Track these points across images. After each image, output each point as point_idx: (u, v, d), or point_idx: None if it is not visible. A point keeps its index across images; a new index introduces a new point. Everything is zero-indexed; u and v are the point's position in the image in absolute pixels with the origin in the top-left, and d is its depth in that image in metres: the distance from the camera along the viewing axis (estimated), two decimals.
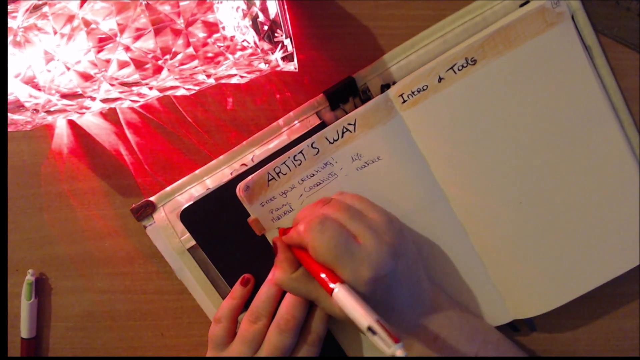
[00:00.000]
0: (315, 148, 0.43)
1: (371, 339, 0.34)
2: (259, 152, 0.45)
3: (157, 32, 0.35)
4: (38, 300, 0.49)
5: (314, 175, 0.43)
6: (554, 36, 0.41)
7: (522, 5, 0.42)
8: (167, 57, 0.36)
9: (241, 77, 0.39)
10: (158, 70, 0.37)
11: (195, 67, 0.37)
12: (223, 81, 0.40)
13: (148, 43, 0.35)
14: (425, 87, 0.42)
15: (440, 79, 0.42)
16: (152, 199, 0.46)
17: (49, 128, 0.46)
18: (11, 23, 0.36)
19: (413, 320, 0.41)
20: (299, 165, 0.43)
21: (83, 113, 0.40)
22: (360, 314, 0.34)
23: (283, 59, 0.37)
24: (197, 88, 0.40)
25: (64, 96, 0.38)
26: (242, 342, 0.43)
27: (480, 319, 0.45)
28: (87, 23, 0.35)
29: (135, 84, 0.38)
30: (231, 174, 0.45)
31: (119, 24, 0.35)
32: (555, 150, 0.43)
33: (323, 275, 0.38)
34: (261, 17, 0.35)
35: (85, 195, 0.47)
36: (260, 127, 0.45)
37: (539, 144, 0.43)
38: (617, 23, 0.42)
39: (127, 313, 0.49)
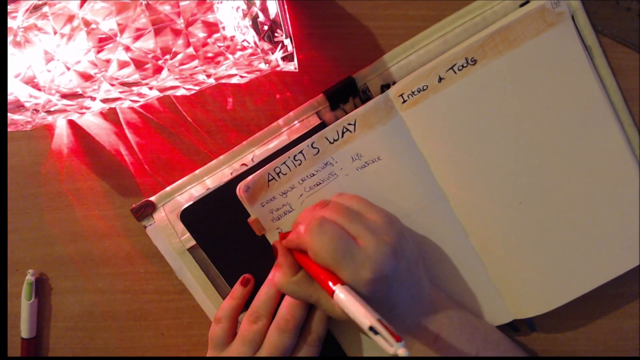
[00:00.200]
0: (315, 148, 0.43)
1: (373, 339, 0.34)
2: (259, 152, 0.45)
3: (157, 32, 0.35)
4: (38, 300, 0.49)
5: (314, 175, 0.43)
6: (554, 36, 0.41)
7: (522, 5, 0.42)
8: (167, 57, 0.36)
9: (241, 77, 0.39)
10: (158, 70, 0.37)
11: (195, 67, 0.37)
12: (223, 81, 0.40)
13: (148, 43, 0.35)
14: (425, 87, 0.42)
15: (440, 79, 0.42)
16: (152, 199, 0.46)
17: (49, 128, 0.46)
18: (11, 23, 0.36)
19: (413, 320, 0.41)
20: (299, 165, 0.43)
21: (83, 113, 0.40)
22: (361, 314, 0.34)
23: (283, 59, 0.37)
24: (197, 88, 0.40)
25: (64, 96, 0.38)
26: (242, 342, 0.43)
27: (480, 319, 0.45)
28: (87, 23, 0.35)
29: (135, 84, 0.38)
30: (231, 174, 0.45)
31: (119, 24, 0.35)
32: (555, 150, 0.43)
33: (324, 277, 0.38)
34: (261, 17, 0.35)
35: (85, 195, 0.47)
36: (260, 127, 0.45)
37: (538, 143, 0.43)
38: (617, 23, 0.42)
39: (127, 313, 0.49)
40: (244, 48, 0.36)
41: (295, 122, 0.45)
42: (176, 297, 0.49)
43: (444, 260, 0.45)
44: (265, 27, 0.35)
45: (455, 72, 0.42)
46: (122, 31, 0.35)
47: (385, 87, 0.44)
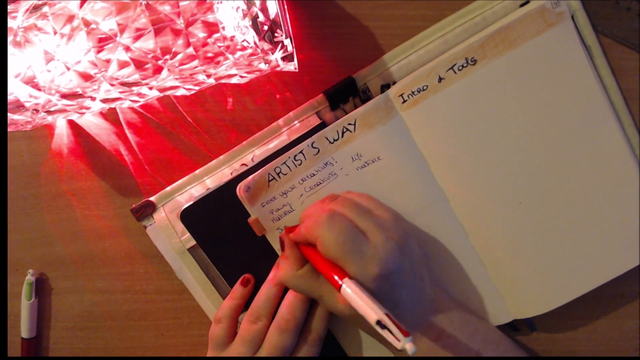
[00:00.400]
0: (316, 148, 0.43)
1: (381, 333, 0.34)
2: (259, 152, 0.45)
3: (157, 32, 0.35)
4: (38, 300, 0.49)
5: (314, 175, 0.43)
6: (554, 36, 0.41)
7: (522, 5, 0.42)
8: (167, 57, 0.36)
9: (241, 77, 0.39)
10: (158, 70, 0.37)
11: (195, 67, 0.37)
12: (223, 81, 0.40)
13: (148, 43, 0.35)
14: (425, 87, 0.42)
15: (440, 79, 0.42)
16: (152, 199, 0.46)
17: (49, 128, 0.46)
18: (11, 23, 0.36)
19: (415, 319, 0.41)
20: (299, 165, 0.43)
21: (83, 113, 0.40)
22: (369, 308, 0.35)
23: (283, 59, 0.37)
24: (197, 88, 0.40)
25: (64, 96, 0.38)
26: (242, 342, 0.43)
27: (481, 319, 0.45)
28: (87, 23, 0.35)
29: (135, 84, 0.38)
30: (231, 174, 0.45)
31: (119, 24, 0.35)
32: (555, 150, 0.43)
33: (331, 271, 0.38)
34: (261, 17, 0.35)
35: (85, 195, 0.47)
36: (260, 127, 0.45)
37: (538, 143, 0.43)
38: (617, 23, 0.42)
39: (127, 313, 0.49)
40: (244, 48, 0.36)
41: (295, 122, 0.45)
42: (176, 297, 0.49)
43: (444, 260, 0.45)
44: (265, 27, 0.35)
45: (455, 72, 0.42)
46: (122, 31, 0.35)
47: (385, 87, 0.44)
